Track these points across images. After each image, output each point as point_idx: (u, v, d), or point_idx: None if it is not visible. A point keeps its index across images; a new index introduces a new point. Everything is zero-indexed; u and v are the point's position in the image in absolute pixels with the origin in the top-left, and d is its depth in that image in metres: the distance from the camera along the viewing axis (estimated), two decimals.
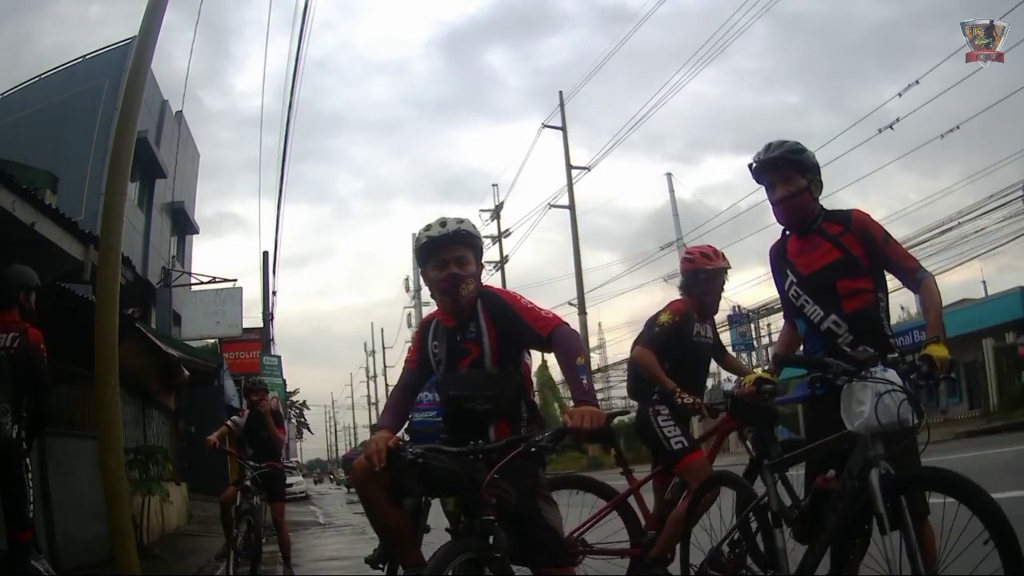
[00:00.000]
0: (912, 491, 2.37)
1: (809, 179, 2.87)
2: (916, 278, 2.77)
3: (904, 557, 2.26)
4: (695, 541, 3.40)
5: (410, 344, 3.04)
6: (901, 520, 2.27)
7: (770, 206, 3.00)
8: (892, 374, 2.46)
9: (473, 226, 2.83)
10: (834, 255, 2.84)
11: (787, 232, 3.02)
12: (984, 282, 31.20)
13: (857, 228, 2.83)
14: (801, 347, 3.06)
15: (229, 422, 7.00)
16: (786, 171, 2.87)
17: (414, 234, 2.96)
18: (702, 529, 3.43)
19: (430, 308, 3.40)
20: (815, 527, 2.62)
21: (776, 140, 2.93)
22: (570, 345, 2.57)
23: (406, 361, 2.99)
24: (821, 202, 2.98)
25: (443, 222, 2.76)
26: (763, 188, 2.99)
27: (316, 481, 60.12)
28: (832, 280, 2.83)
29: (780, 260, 3.02)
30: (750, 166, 2.97)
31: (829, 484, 2.62)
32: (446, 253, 2.73)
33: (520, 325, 2.65)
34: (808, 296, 2.88)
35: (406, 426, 4.25)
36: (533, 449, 2.41)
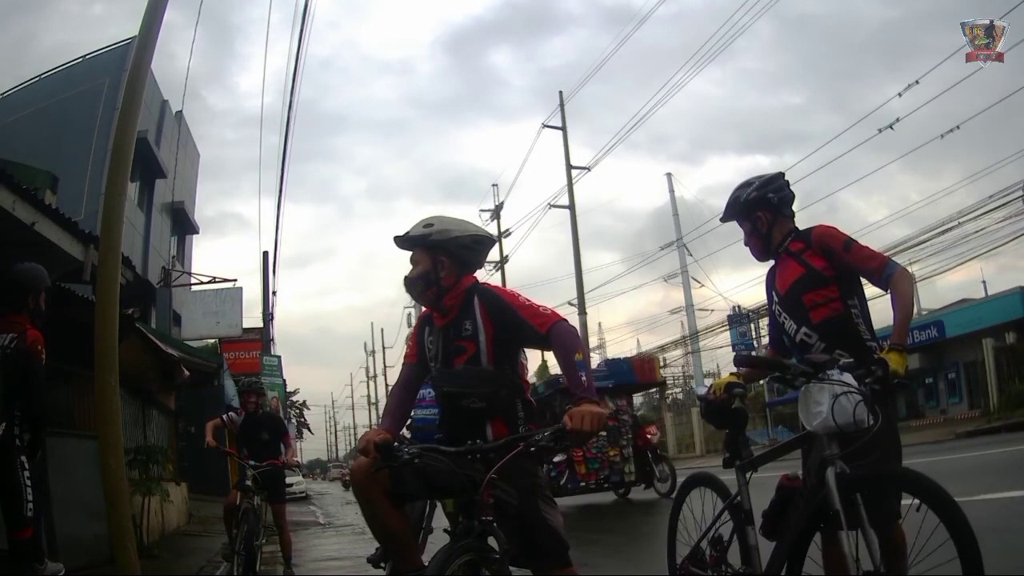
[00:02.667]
0: (868, 490, 2.41)
1: (752, 218, 3.17)
2: (884, 275, 2.82)
3: (865, 554, 2.31)
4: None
5: (409, 340, 3.03)
6: (858, 518, 2.33)
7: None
8: (848, 377, 2.54)
9: (427, 223, 2.78)
10: (799, 272, 3.04)
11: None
12: (984, 282, 31.30)
13: (816, 243, 3.01)
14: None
15: (224, 416, 6.96)
16: (738, 219, 3.22)
17: None
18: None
19: None
20: (781, 524, 2.71)
21: (734, 190, 3.25)
22: (568, 341, 2.54)
23: (405, 356, 2.98)
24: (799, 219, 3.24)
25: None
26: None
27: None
28: (799, 295, 3.02)
29: (770, 283, 3.25)
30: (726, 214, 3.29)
31: (793, 483, 2.74)
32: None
33: (518, 323, 2.63)
34: (786, 313, 3.10)
35: (408, 423, 4.24)
36: (533, 449, 2.39)
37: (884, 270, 2.83)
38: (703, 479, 3.40)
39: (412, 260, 2.81)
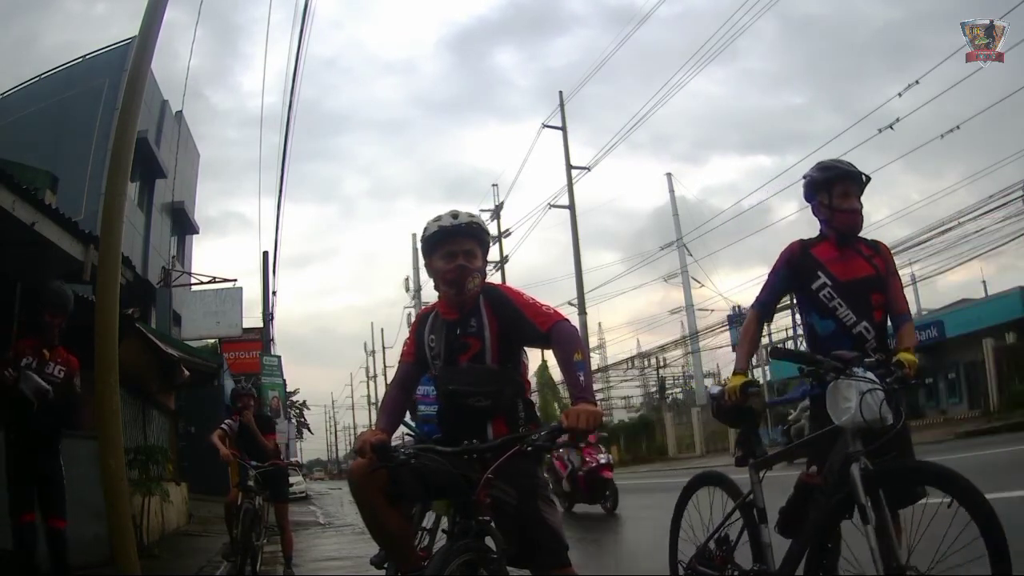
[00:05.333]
0: (892, 485, 2.50)
1: (856, 196, 3.19)
2: (904, 317, 3.14)
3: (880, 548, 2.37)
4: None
5: (406, 338, 3.00)
6: (879, 513, 2.42)
7: (814, 209, 3.27)
8: (871, 375, 2.64)
9: (484, 221, 2.84)
10: (869, 271, 3.16)
11: (819, 237, 3.26)
12: (984, 282, 31.34)
13: (884, 255, 3.23)
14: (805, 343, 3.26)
15: (224, 426, 6.94)
16: (860, 189, 3.19)
17: (414, 234, 2.96)
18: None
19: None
20: (799, 521, 2.74)
21: (838, 159, 3.28)
22: (569, 341, 2.56)
23: (402, 355, 2.95)
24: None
25: (455, 214, 2.77)
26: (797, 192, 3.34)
27: None
28: (868, 292, 3.12)
29: (808, 260, 3.21)
30: (828, 169, 3.20)
31: (812, 480, 2.78)
32: (455, 245, 2.73)
33: (520, 320, 2.64)
34: (841, 300, 3.11)
35: (409, 417, 4.23)
36: (529, 448, 2.39)
37: (907, 313, 3.15)
38: (711, 478, 3.38)
39: (467, 251, 2.74)
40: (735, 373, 3.22)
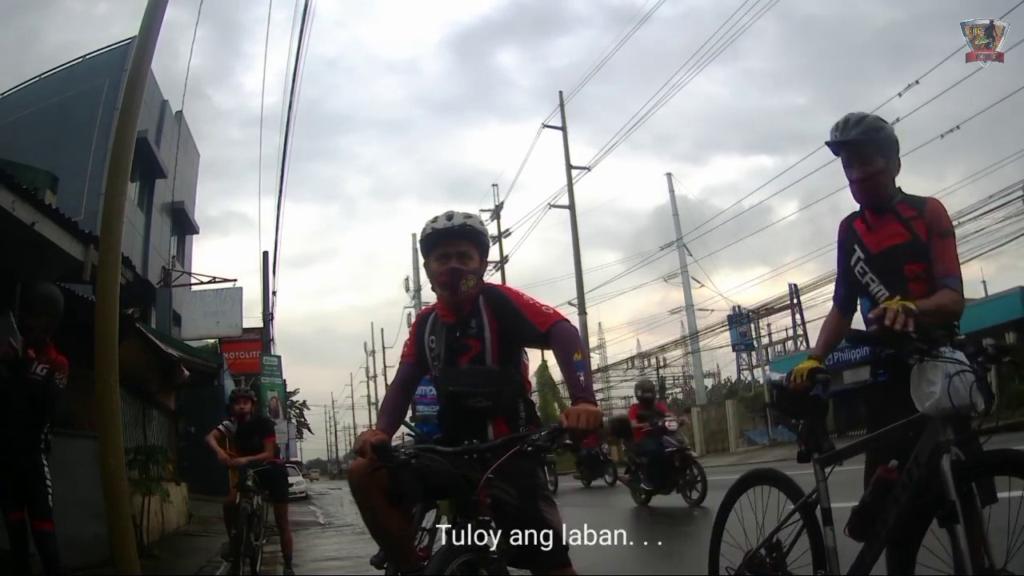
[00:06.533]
0: (984, 478, 2.28)
1: (886, 159, 2.81)
2: (944, 279, 2.69)
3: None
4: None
5: (407, 339, 3.01)
6: (971, 509, 2.20)
7: (847, 183, 2.92)
8: (960, 355, 2.37)
9: (480, 222, 2.83)
10: (902, 237, 2.78)
11: (862, 208, 2.93)
12: (984, 282, 31.27)
13: (929, 215, 2.76)
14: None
15: (221, 427, 6.92)
16: (864, 152, 2.80)
17: (414, 234, 2.96)
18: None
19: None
20: (875, 522, 2.50)
21: (856, 115, 2.86)
22: (568, 341, 2.56)
23: (402, 356, 2.95)
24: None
25: (450, 215, 2.77)
26: (838, 162, 2.90)
27: None
28: (900, 262, 2.76)
29: (849, 235, 2.93)
30: (829, 143, 2.88)
31: (890, 475, 2.51)
32: (449, 247, 2.73)
33: (520, 320, 2.64)
34: (874, 274, 2.81)
35: (410, 415, 4.23)
36: (529, 448, 2.39)
37: (952, 275, 2.68)
38: (765, 476, 3.11)
39: (462, 253, 2.74)
40: (809, 357, 2.93)
